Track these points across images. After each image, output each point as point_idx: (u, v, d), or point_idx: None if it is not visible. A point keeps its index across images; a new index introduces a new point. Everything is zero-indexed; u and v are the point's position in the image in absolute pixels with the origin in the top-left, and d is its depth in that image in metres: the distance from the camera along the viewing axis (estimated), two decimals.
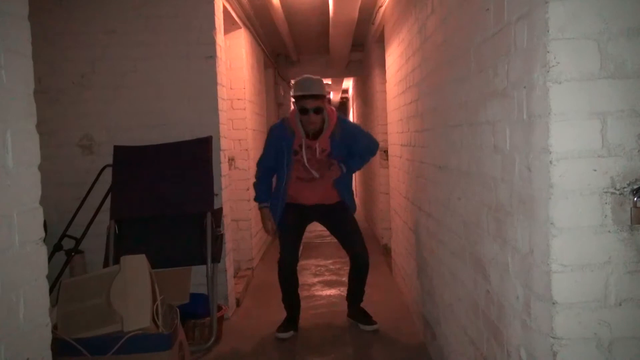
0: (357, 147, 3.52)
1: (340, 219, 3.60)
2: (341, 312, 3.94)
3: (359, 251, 3.59)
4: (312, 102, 3.28)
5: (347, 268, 5.26)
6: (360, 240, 3.61)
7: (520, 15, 1.54)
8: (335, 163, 3.46)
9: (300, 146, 3.41)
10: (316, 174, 3.46)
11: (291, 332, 3.55)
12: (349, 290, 3.78)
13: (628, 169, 1.36)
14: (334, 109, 3.53)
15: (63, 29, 3.79)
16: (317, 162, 3.45)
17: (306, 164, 3.42)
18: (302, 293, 4.47)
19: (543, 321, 1.45)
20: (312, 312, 4.01)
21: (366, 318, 3.66)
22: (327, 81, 10.44)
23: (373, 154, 3.68)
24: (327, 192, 3.52)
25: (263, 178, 3.59)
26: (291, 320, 3.63)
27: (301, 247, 3.72)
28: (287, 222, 3.54)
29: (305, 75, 3.44)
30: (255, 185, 3.62)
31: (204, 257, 3.34)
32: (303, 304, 4.19)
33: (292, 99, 3.44)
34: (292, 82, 3.43)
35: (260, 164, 3.61)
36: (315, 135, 3.40)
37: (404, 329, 3.59)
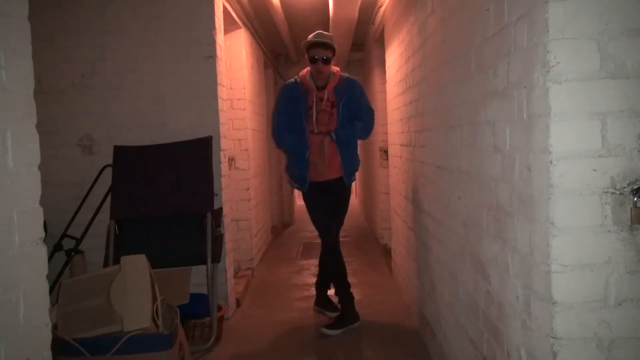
0: (355, 104, 3.64)
1: (341, 199, 3.80)
2: None
3: (332, 237, 3.77)
4: (321, 51, 3.53)
5: (347, 268, 5.28)
6: (339, 228, 3.83)
7: (520, 15, 1.54)
8: (334, 114, 3.62)
9: (313, 101, 3.62)
10: (325, 129, 3.61)
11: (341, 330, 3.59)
12: (317, 276, 4.02)
13: (628, 169, 1.36)
14: (338, 68, 3.77)
15: (63, 29, 3.79)
16: (327, 115, 3.62)
17: (316, 117, 3.60)
18: (303, 293, 4.48)
19: (543, 321, 1.45)
20: (312, 312, 4.01)
21: (332, 306, 3.89)
22: None
23: (367, 119, 3.70)
24: (333, 156, 3.63)
25: (289, 134, 3.66)
26: (346, 315, 3.66)
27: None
28: (313, 201, 3.72)
29: (318, 30, 3.70)
30: (287, 140, 3.69)
31: (204, 257, 3.34)
32: (303, 304, 4.20)
33: (306, 53, 3.66)
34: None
35: (280, 123, 3.69)
36: (323, 87, 3.62)
37: (404, 328, 3.59)
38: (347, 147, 3.67)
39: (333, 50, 3.61)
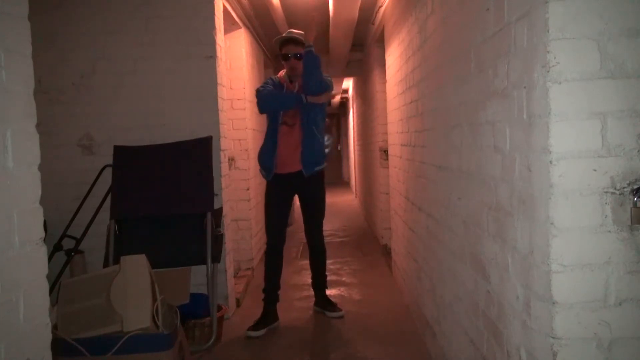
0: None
1: (311, 198, 3.82)
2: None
3: (315, 241, 3.90)
4: (292, 47, 3.67)
5: (347, 268, 5.30)
6: (318, 229, 3.89)
7: (520, 15, 1.54)
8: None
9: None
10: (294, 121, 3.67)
11: (264, 330, 3.59)
12: (312, 278, 4.03)
13: (628, 169, 1.37)
14: None
15: (63, 29, 3.79)
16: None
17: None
18: (302, 293, 4.48)
19: (543, 321, 1.45)
20: (312, 312, 4.00)
21: (331, 305, 3.93)
22: None
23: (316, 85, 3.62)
24: (298, 148, 3.66)
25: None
26: (267, 316, 3.68)
27: (290, 221, 3.86)
28: (271, 200, 3.76)
29: (289, 29, 3.87)
30: (271, 93, 3.67)
31: (204, 257, 3.34)
32: (303, 304, 4.21)
33: (279, 51, 3.78)
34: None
35: (268, 89, 3.72)
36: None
37: (404, 328, 3.59)
38: (310, 137, 3.66)
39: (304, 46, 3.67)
